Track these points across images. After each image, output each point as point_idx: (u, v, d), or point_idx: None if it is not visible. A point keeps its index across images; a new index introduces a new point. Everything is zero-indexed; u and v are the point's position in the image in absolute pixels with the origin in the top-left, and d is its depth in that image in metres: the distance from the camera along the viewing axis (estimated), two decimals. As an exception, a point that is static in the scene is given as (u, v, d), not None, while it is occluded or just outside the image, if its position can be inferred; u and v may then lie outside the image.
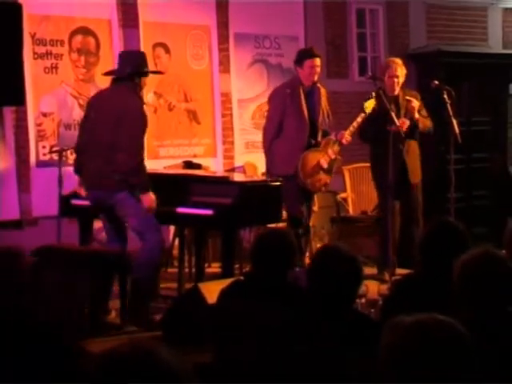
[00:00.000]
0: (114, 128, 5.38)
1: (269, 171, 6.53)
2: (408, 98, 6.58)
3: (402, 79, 6.67)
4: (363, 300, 4.52)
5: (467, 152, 8.77)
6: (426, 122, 6.65)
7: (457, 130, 6.41)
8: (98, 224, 6.81)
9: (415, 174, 6.77)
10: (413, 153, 6.74)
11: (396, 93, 6.65)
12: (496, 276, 2.56)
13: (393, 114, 6.21)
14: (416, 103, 6.54)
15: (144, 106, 5.61)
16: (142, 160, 5.46)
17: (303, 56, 6.41)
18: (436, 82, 6.54)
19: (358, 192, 7.99)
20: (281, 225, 6.30)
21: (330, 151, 6.48)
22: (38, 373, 1.65)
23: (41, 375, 1.65)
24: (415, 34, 9.21)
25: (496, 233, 8.35)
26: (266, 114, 6.83)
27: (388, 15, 9.01)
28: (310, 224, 7.57)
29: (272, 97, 6.65)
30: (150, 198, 5.42)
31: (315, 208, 7.77)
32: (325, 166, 6.45)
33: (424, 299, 3.01)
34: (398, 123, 6.23)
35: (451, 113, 6.36)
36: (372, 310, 4.31)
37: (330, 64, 8.44)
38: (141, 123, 5.49)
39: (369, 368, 2.53)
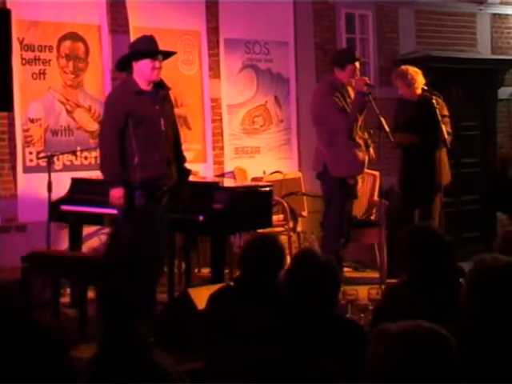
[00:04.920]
0: None
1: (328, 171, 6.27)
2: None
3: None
4: (352, 305, 4.52)
5: (456, 157, 8.78)
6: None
7: (446, 135, 6.44)
8: (87, 230, 6.80)
9: None
10: None
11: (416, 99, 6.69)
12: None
13: (382, 120, 6.20)
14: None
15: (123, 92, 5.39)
16: (108, 152, 5.29)
17: (347, 59, 6.32)
18: (425, 88, 6.57)
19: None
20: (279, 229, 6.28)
21: (371, 152, 6.42)
22: (33, 374, 1.65)
23: (37, 376, 1.65)
24: (404, 39, 9.23)
25: (486, 237, 8.39)
26: (319, 113, 6.34)
27: (377, 20, 9.03)
28: (299, 229, 7.59)
29: (321, 94, 6.32)
30: (111, 194, 5.26)
31: (304, 213, 7.78)
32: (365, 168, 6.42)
33: (411, 306, 3.01)
34: (387, 129, 6.22)
35: (440, 118, 6.38)
36: (362, 315, 4.31)
37: (320, 69, 8.44)
38: (105, 112, 5.45)
39: (347, 370, 2.52)
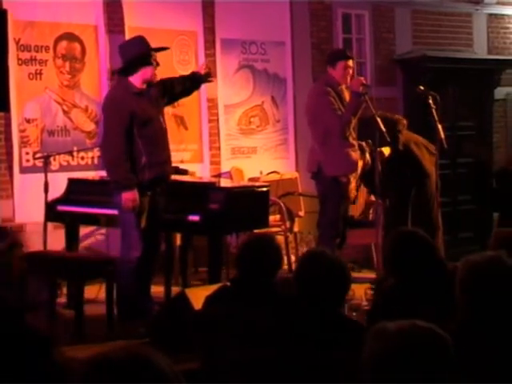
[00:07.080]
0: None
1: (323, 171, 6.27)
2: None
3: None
4: (348, 304, 4.52)
5: (453, 157, 8.80)
6: None
7: (442, 135, 6.45)
8: (84, 230, 6.80)
9: None
10: None
11: None
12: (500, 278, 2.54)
13: (378, 120, 6.21)
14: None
15: (126, 94, 5.27)
16: (117, 155, 5.20)
17: (336, 57, 6.36)
18: (421, 88, 6.58)
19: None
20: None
21: (367, 157, 6.48)
22: (25, 374, 1.65)
23: (29, 377, 1.65)
24: (401, 39, 9.25)
25: (481, 237, 8.40)
26: (314, 113, 6.33)
27: (374, 20, 9.04)
28: (296, 230, 7.60)
29: (317, 94, 6.33)
30: (125, 197, 5.20)
31: (301, 213, 7.78)
32: (359, 170, 6.43)
33: (402, 308, 3.02)
34: (383, 129, 6.24)
35: (436, 118, 6.39)
36: (354, 314, 4.31)
37: (316, 69, 8.45)
38: (109, 114, 5.33)
39: (352, 370, 2.53)
